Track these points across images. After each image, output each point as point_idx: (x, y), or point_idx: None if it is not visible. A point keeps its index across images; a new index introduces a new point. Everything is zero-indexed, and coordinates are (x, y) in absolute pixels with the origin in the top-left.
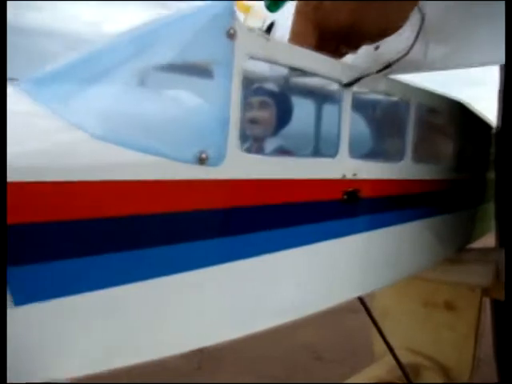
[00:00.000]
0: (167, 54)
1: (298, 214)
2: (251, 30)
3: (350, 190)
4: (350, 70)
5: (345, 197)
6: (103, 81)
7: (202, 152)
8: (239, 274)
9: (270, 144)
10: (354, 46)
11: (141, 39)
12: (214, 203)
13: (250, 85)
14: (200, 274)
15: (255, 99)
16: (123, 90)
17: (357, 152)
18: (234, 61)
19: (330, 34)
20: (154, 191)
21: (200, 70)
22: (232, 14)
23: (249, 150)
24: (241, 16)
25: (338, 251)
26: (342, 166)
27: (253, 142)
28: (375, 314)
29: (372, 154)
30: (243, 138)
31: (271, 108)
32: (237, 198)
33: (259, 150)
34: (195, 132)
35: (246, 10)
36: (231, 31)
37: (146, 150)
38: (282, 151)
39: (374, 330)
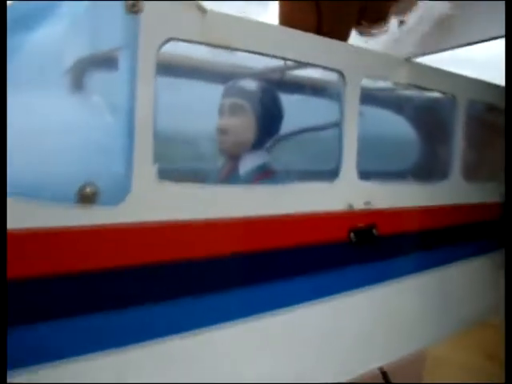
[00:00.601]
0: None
1: (275, 267)
2: None
3: (360, 226)
4: (357, 56)
5: (352, 237)
6: None
7: (85, 186)
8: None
9: (248, 162)
10: (375, 17)
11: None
12: (110, 261)
13: (187, 78)
14: None
15: (226, 101)
16: None
17: (371, 170)
18: (139, 45)
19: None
20: (18, 246)
21: (97, 64)
22: None
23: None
24: None
25: (344, 313)
26: (348, 193)
27: (226, 161)
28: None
29: (396, 172)
30: (167, 159)
31: (246, 113)
32: (153, 252)
33: (233, 172)
34: (73, 156)
35: None
36: (131, 3)
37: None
38: (264, 172)
39: None
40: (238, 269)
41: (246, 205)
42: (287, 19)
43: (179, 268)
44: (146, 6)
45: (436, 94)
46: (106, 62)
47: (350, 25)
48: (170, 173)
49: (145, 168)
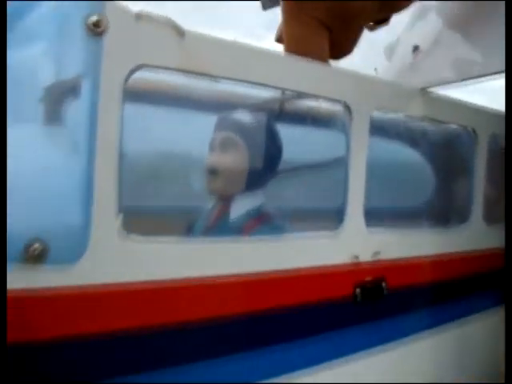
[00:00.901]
0: None
1: (269, 332)
2: (142, 16)
3: (366, 281)
4: (366, 86)
5: (358, 293)
6: None
7: (33, 242)
8: None
9: (241, 204)
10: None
11: None
12: (56, 330)
13: (169, 107)
14: None
15: (217, 135)
16: None
17: (380, 215)
18: (101, 74)
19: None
20: None
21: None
22: None
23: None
24: None
25: (347, 380)
26: (353, 243)
27: (216, 203)
28: None
29: (409, 216)
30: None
31: (240, 149)
32: (113, 320)
33: (223, 216)
34: (18, 205)
35: None
36: (94, 22)
37: None
38: (260, 217)
39: None
40: (222, 336)
41: (235, 260)
42: (295, 37)
43: (143, 339)
44: (112, 26)
45: (454, 126)
46: (68, 92)
47: (361, 31)
48: (143, 219)
49: (106, 219)
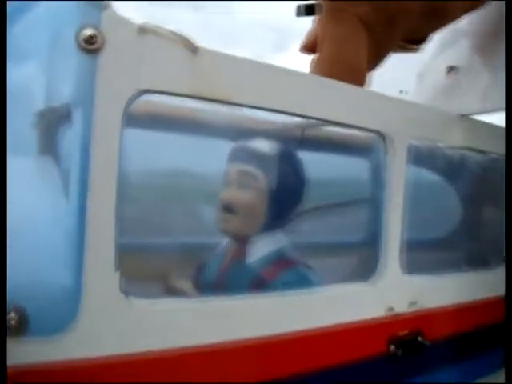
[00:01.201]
0: None
1: None
2: (147, 30)
3: (402, 335)
4: (403, 112)
5: (392, 350)
6: None
7: (9, 311)
8: None
9: (259, 247)
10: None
11: None
12: None
13: (178, 134)
14: None
15: (232, 168)
16: None
17: (419, 259)
18: (96, 101)
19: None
20: None
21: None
22: (93, 7)
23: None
24: None
25: None
26: (388, 293)
27: (230, 244)
28: None
29: (451, 259)
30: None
31: (259, 184)
32: None
33: (238, 260)
34: None
35: None
36: (88, 37)
37: None
38: (281, 262)
39: None
40: None
41: (254, 319)
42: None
43: None
44: (110, 42)
45: (493, 155)
46: (57, 122)
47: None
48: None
49: (101, 279)
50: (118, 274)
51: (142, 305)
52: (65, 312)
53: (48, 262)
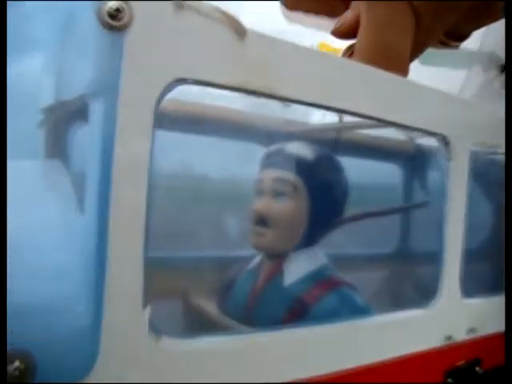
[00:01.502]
0: None
1: None
2: (185, 5)
3: (459, 365)
4: (468, 113)
5: (449, 382)
6: None
7: (13, 359)
8: None
9: (297, 265)
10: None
11: None
12: None
13: (208, 136)
14: None
15: (266, 175)
16: None
17: (480, 280)
18: (120, 91)
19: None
20: None
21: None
22: None
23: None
24: None
25: None
26: (447, 320)
27: (263, 261)
28: None
29: (500, 274)
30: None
31: (298, 194)
32: None
33: (273, 281)
34: None
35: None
36: (113, 12)
37: None
38: (323, 283)
39: None
40: None
41: (301, 356)
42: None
43: None
44: (139, 18)
45: None
46: (72, 119)
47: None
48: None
49: (126, 317)
50: (147, 310)
51: (176, 346)
52: (81, 357)
53: (58, 293)
